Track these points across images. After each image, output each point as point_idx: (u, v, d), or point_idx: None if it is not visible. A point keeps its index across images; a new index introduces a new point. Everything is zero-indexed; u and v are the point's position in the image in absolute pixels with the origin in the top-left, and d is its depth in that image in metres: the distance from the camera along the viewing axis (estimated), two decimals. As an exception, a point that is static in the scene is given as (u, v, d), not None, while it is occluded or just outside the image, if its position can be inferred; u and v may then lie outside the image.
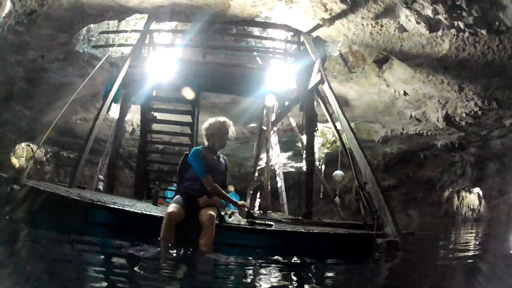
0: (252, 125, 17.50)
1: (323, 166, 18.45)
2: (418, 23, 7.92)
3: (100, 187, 11.50)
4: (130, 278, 3.39)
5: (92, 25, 11.10)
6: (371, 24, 8.65)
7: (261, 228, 5.39)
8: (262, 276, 3.95)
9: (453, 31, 7.99)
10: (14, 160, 21.53)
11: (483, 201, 25.00)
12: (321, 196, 15.61)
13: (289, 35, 11.71)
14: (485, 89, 10.72)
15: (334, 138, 17.03)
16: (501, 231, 15.90)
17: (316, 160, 11.35)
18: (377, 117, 15.52)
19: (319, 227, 6.92)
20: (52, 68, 12.37)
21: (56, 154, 24.13)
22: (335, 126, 8.74)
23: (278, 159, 15.02)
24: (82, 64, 12.44)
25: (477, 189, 24.43)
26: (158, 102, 12.55)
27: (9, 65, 11.55)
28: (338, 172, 16.07)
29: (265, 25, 11.50)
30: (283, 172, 15.06)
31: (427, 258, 6.57)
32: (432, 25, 7.99)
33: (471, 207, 25.41)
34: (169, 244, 4.66)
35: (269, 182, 12.29)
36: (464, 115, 12.53)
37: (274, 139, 14.42)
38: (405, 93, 12.41)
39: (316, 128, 10.02)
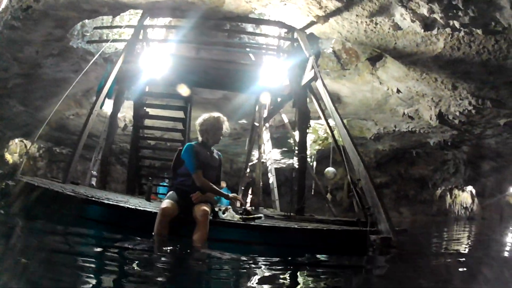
0: (243, 121, 17.51)
1: (315, 163, 18.49)
2: (413, 21, 7.93)
3: (93, 182, 11.47)
4: (124, 273, 3.39)
5: (86, 20, 11.08)
6: (366, 22, 8.65)
7: (254, 224, 5.40)
8: (255, 272, 3.96)
9: (448, 30, 8.00)
10: (8, 156, 21.49)
11: (476, 199, 25.17)
12: (312, 193, 15.67)
13: (282, 32, 11.71)
14: (479, 88, 10.76)
15: (325, 134, 17.08)
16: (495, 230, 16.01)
17: (308, 156, 11.36)
18: (370, 114, 15.56)
19: (312, 223, 6.95)
20: (46, 64, 12.34)
21: (49, 150, 24.06)
22: (327, 123, 8.77)
23: (270, 155, 15.04)
24: (76, 59, 12.42)
25: (470, 188, 24.58)
26: (151, 97, 12.53)
27: (5, 60, 11.51)
28: (330, 169, 16.10)
29: (259, 21, 11.49)
30: (275, 168, 15.08)
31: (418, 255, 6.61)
32: (427, 24, 8.00)
33: (464, 206, 25.57)
34: (163, 240, 4.66)
35: (261, 178, 12.32)
36: (457, 113, 12.58)
37: (266, 135, 14.45)
38: (398, 91, 12.44)
39: (308, 125, 10.04)
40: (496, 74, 9.69)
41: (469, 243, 9.73)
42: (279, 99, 12.08)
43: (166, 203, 4.96)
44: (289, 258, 4.77)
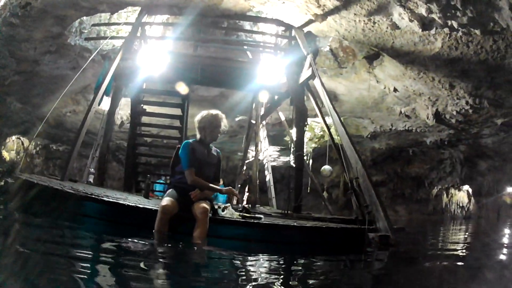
0: (240, 118, 17.50)
1: (311, 161, 18.48)
2: (411, 21, 7.96)
3: (91, 180, 11.45)
4: (124, 270, 3.39)
5: (84, 17, 11.06)
6: (364, 21, 8.68)
7: (254, 221, 5.42)
8: (254, 269, 3.98)
9: (446, 30, 8.04)
10: (5, 153, 21.45)
11: (472, 198, 25.23)
12: (308, 191, 15.67)
13: (280, 30, 11.70)
14: (476, 87, 10.80)
15: (322, 132, 17.08)
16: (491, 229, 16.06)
17: (304, 154, 11.38)
18: (366, 112, 15.58)
19: (310, 221, 6.96)
20: (44, 60, 12.31)
21: (46, 147, 23.99)
22: (325, 121, 8.78)
23: (266, 153, 15.04)
24: (73, 56, 12.40)
25: (466, 187, 24.64)
26: (148, 95, 12.51)
27: (2, 58, 11.49)
28: (326, 167, 16.15)
29: (257, 19, 11.49)
30: (271, 166, 15.08)
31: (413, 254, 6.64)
32: (425, 24, 8.03)
33: (460, 205, 25.63)
34: (163, 237, 4.68)
35: (257, 176, 12.32)
36: (454, 113, 12.62)
37: (263, 133, 14.45)
38: (395, 90, 12.46)
39: (306, 123, 10.05)
40: (493, 73, 9.74)
41: (466, 241, 9.76)
42: (276, 97, 12.08)
43: (166, 200, 4.97)
44: (288, 256, 4.79)
